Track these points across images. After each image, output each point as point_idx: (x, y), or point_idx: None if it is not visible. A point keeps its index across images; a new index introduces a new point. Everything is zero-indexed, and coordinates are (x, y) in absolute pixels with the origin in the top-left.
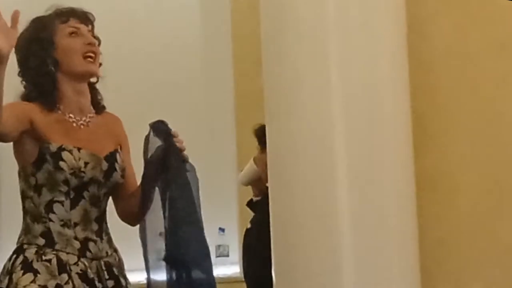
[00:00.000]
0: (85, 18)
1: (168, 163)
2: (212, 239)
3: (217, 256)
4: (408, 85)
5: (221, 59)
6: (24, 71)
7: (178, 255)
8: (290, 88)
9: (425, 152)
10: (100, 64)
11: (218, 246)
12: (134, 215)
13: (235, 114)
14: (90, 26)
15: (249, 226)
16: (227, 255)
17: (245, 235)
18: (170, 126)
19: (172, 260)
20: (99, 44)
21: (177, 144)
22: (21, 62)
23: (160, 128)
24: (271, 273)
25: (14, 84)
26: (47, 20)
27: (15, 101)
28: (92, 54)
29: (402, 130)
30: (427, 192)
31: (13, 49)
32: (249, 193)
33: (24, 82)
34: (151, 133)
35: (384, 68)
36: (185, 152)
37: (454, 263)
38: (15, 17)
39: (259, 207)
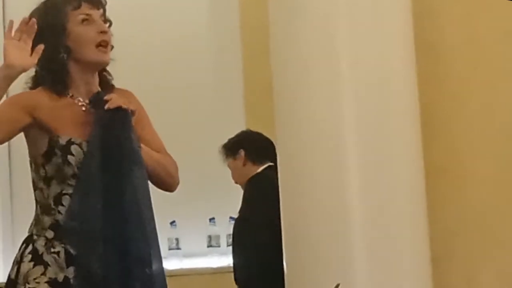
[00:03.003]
0: (97, 2)
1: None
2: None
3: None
4: (416, 74)
5: (229, 49)
6: None
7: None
8: (299, 77)
9: (435, 141)
10: (112, 47)
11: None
12: (166, 181)
13: (244, 105)
14: (101, 10)
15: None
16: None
17: (233, 226)
18: (177, 115)
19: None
20: (109, 26)
21: (110, 106)
22: (32, 46)
23: (94, 102)
24: (251, 265)
25: None
26: (59, 6)
27: (15, 96)
28: (104, 43)
29: (411, 119)
30: (437, 182)
31: None
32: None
33: (35, 66)
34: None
35: (392, 58)
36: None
37: (465, 253)
38: (37, 51)
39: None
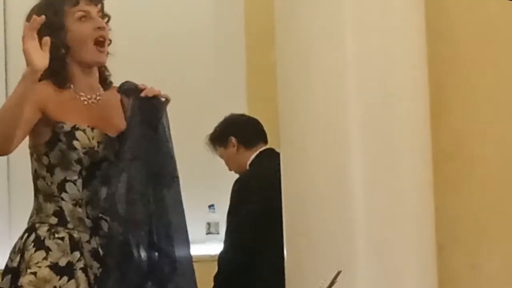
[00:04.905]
0: None
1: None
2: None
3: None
4: (425, 55)
5: (232, 33)
6: None
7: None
8: (303, 61)
9: (443, 127)
10: (110, 42)
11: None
12: None
13: (247, 88)
14: (99, 6)
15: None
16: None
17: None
18: (177, 101)
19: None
20: (108, 20)
21: (148, 94)
22: None
23: (126, 89)
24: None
25: None
26: (58, 3)
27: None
28: (101, 39)
29: (419, 101)
30: (444, 165)
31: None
32: None
33: None
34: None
35: (401, 39)
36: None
37: (470, 239)
38: (46, 43)
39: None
